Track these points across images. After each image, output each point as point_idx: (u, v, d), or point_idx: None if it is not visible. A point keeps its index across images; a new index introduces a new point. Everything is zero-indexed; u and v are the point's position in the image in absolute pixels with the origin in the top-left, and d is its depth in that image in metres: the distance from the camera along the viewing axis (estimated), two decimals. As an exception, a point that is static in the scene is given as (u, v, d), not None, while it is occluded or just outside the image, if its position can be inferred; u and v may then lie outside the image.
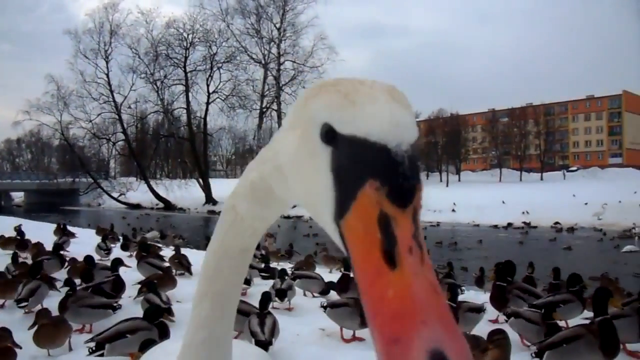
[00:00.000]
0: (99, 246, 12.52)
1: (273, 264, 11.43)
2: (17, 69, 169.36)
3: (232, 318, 1.13)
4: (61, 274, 9.21)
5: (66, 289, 6.83)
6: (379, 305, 0.57)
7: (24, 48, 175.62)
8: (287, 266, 11.61)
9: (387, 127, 0.63)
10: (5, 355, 5.17)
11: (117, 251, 12.72)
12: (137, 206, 62.46)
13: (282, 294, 7.68)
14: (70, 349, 5.90)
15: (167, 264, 10.24)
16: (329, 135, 0.68)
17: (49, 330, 5.61)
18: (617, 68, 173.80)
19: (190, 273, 10.54)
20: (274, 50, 62.20)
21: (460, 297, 8.21)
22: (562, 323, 6.83)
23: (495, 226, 38.79)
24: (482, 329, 6.19)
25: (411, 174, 0.63)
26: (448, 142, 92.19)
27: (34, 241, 12.15)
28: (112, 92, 66.45)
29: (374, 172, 0.62)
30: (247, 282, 8.72)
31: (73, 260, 10.17)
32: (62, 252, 10.72)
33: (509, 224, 39.04)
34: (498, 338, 4.60)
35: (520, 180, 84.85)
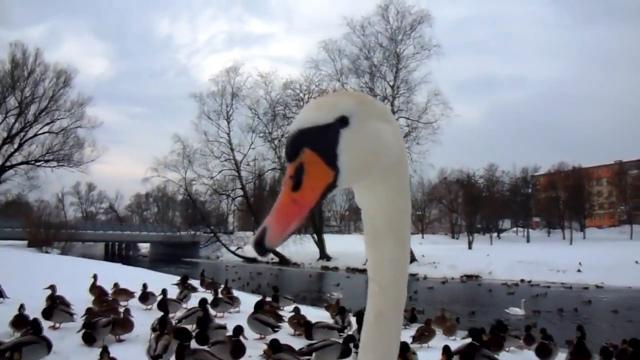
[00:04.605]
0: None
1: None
2: (148, 130, 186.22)
3: None
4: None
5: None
6: None
7: (153, 110, 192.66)
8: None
9: None
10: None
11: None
12: (254, 260, 64.39)
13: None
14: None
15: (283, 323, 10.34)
16: None
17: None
18: None
19: (311, 337, 10.12)
20: (388, 107, 62.26)
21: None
22: None
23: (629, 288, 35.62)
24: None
25: None
26: (570, 197, 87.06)
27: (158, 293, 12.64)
28: (232, 150, 70.59)
29: None
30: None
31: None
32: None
33: (646, 287, 35.78)
34: None
35: (655, 237, 78.08)
